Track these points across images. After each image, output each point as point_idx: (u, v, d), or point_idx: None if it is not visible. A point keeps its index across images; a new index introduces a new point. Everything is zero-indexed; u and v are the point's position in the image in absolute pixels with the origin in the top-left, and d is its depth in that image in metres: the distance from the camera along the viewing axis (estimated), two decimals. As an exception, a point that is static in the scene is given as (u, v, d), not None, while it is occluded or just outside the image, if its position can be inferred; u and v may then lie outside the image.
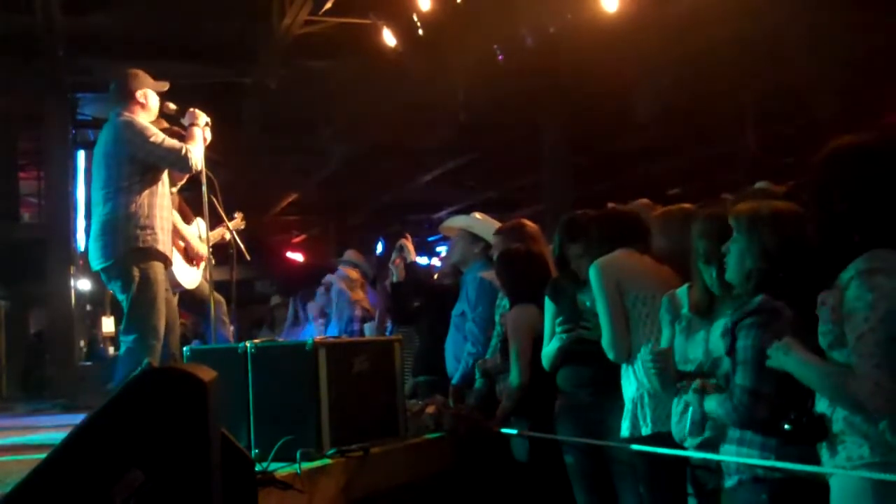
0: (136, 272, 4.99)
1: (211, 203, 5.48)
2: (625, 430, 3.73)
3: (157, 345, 5.03)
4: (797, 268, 2.82)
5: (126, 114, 5.18)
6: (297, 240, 20.66)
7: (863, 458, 2.44)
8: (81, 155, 12.21)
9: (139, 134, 5.09)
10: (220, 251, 6.17)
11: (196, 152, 5.16)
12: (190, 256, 5.85)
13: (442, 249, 15.93)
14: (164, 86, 5.37)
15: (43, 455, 2.51)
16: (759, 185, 4.04)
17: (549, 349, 4.25)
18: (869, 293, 2.40)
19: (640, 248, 3.89)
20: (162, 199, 5.17)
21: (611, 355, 3.78)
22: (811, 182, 2.65)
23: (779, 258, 2.85)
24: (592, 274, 3.79)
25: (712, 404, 2.99)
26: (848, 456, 2.47)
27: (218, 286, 5.71)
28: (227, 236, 6.03)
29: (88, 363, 12.22)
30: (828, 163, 2.62)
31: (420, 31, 8.28)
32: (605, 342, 3.78)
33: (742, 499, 2.92)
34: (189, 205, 6.01)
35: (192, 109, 5.36)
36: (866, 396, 2.38)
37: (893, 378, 2.35)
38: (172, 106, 5.41)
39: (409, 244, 6.25)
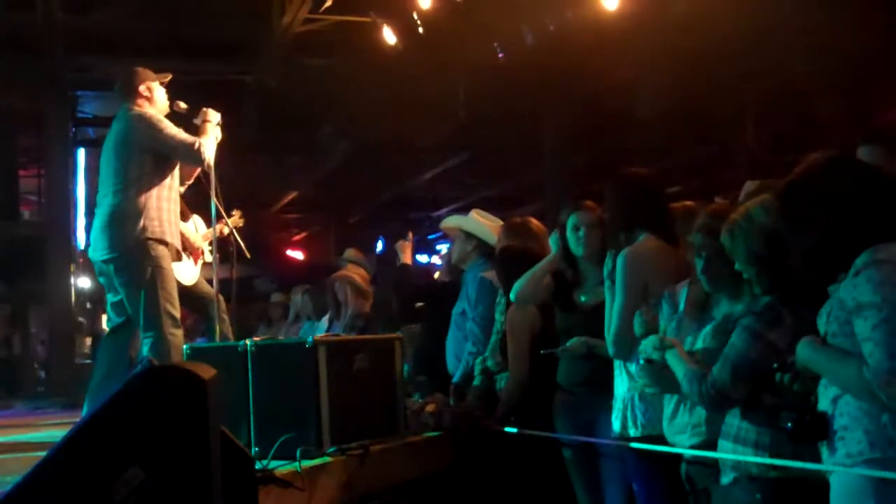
0: (146, 263, 4.99)
1: (210, 200, 5.47)
2: (616, 428, 3.74)
3: (178, 333, 5.03)
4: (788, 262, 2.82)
5: (135, 107, 5.19)
6: (297, 238, 20.66)
7: (863, 453, 2.44)
8: (82, 153, 12.21)
9: (153, 125, 5.11)
10: (220, 249, 6.18)
11: (208, 146, 5.16)
12: (188, 251, 5.85)
13: (442, 247, 15.94)
14: (167, 76, 5.38)
15: (43, 453, 2.51)
16: (749, 186, 4.01)
17: (523, 279, 4.31)
18: (877, 287, 2.40)
19: (666, 237, 3.77)
20: (171, 192, 5.18)
21: (611, 350, 3.76)
22: (784, 213, 2.65)
23: (765, 253, 2.85)
24: (620, 263, 3.70)
25: (679, 369, 3.02)
26: (848, 452, 2.47)
27: (218, 284, 5.71)
28: (226, 231, 6.03)
29: (88, 361, 12.21)
30: (795, 194, 2.62)
31: (420, 30, 8.27)
32: (610, 336, 3.75)
33: (736, 497, 2.92)
34: (187, 203, 6.01)
35: (204, 108, 5.37)
36: (881, 384, 2.36)
37: None
38: (183, 105, 5.42)
39: (405, 246, 6.24)
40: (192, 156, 5.13)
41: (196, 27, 10.18)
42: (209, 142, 5.19)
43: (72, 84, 11.12)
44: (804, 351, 2.59)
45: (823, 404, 2.57)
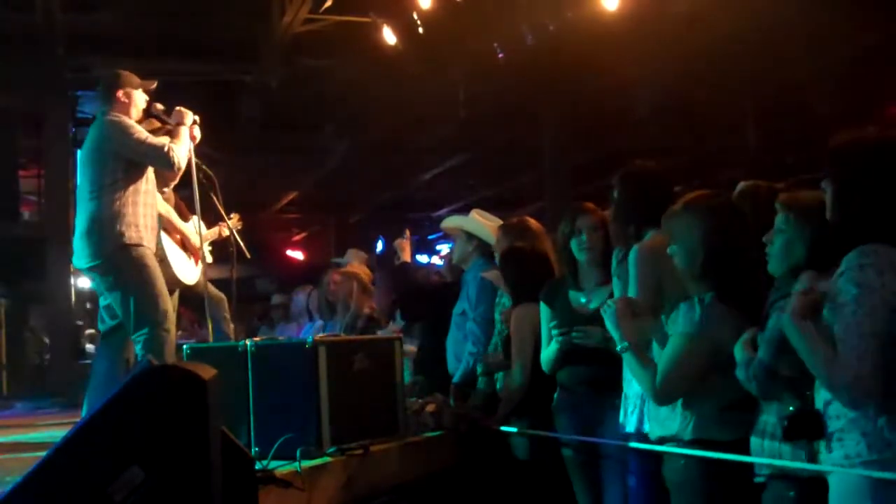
0: (130, 266, 4.99)
1: (210, 201, 5.47)
2: (630, 426, 3.73)
3: (172, 329, 5.02)
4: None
5: (113, 113, 5.20)
6: (297, 238, 20.65)
7: (860, 455, 2.45)
8: (81, 153, 12.17)
9: (123, 131, 5.11)
10: (220, 249, 6.17)
11: (180, 150, 5.14)
12: (189, 251, 5.85)
13: (442, 248, 15.94)
14: (152, 84, 5.36)
15: (43, 453, 2.52)
16: (741, 186, 3.99)
17: (547, 353, 4.27)
18: (856, 288, 2.44)
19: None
20: (146, 197, 5.17)
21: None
22: (833, 175, 2.64)
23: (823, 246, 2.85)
24: (633, 259, 3.67)
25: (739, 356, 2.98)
26: (846, 454, 2.48)
27: (218, 284, 5.71)
28: (225, 233, 6.03)
29: (88, 361, 12.20)
30: (847, 157, 2.63)
31: (420, 30, 8.28)
32: None
33: (768, 495, 2.92)
34: (186, 203, 6.01)
35: (178, 108, 5.36)
36: (846, 385, 2.42)
37: (873, 371, 2.40)
38: (160, 106, 5.41)
39: (404, 244, 6.22)
40: (162, 160, 5.11)
41: (196, 27, 10.18)
42: (181, 146, 5.18)
43: (72, 84, 11.10)
44: (787, 324, 2.63)
45: (820, 402, 2.58)
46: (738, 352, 2.95)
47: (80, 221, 5.14)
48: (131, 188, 5.09)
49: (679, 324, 3.19)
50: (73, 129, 11.78)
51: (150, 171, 5.23)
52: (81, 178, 5.20)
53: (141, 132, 5.14)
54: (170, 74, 5.53)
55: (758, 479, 2.96)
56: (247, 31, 10.22)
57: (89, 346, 12.48)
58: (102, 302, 5.26)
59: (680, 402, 3.23)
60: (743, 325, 3.04)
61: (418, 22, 8.22)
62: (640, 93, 10.87)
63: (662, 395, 3.22)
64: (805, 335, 2.56)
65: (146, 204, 5.16)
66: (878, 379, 2.40)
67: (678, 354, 3.16)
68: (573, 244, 4.23)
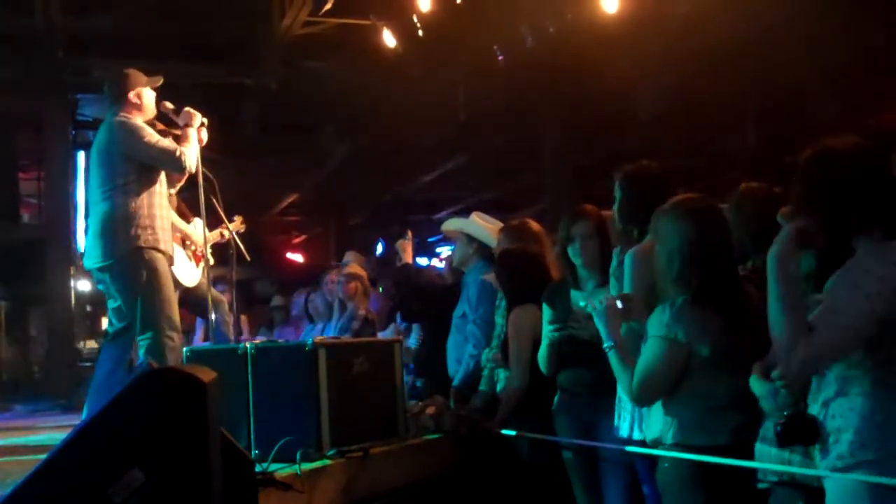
0: (141, 269, 4.99)
1: (210, 203, 5.47)
2: (624, 430, 3.73)
3: (176, 336, 5.02)
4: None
5: (122, 114, 5.19)
6: (297, 240, 20.65)
7: (854, 455, 2.44)
8: (81, 156, 12.18)
9: (133, 133, 5.11)
10: (220, 251, 6.17)
11: (190, 154, 5.15)
12: (191, 250, 5.85)
13: (442, 250, 15.93)
14: (158, 80, 5.36)
15: (43, 456, 2.52)
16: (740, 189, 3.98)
17: (540, 352, 4.27)
18: (840, 279, 2.46)
19: None
20: (160, 199, 5.17)
21: None
22: (806, 189, 2.64)
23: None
24: (629, 262, 3.68)
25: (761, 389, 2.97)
26: (839, 454, 2.46)
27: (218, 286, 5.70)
28: (226, 234, 6.03)
29: (88, 364, 12.20)
30: (818, 170, 2.62)
31: (420, 32, 8.28)
32: None
33: (774, 501, 2.91)
34: (188, 205, 6.01)
35: (187, 109, 5.35)
36: (785, 355, 2.46)
37: (809, 348, 2.43)
38: (170, 105, 5.41)
39: (406, 245, 6.23)
40: (173, 164, 5.12)
41: (196, 30, 10.19)
42: (191, 148, 5.18)
43: (72, 87, 11.11)
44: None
45: (814, 408, 2.57)
46: (757, 386, 2.93)
47: (93, 222, 5.14)
48: (146, 190, 5.09)
49: (653, 327, 3.19)
50: (74, 132, 11.79)
51: (163, 173, 5.24)
52: (93, 180, 5.20)
53: (151, 135, 5.13)
54: (169, 77, 5.50)
55: (761, 486, 2.95)
56: (247, 34, 10.24)
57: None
58: (111, 304, 5.26)
59: (660, 404, 3.23)
60: (716, 326, 3.04)
61: (418, 24, 8.22)
62: (640, 95, 10.87)
63: (639, 397, 3.24)
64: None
65: (161, 206, 5.17)
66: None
67: (649, 357, 3.16)
68: (569, 250, 4.24)
